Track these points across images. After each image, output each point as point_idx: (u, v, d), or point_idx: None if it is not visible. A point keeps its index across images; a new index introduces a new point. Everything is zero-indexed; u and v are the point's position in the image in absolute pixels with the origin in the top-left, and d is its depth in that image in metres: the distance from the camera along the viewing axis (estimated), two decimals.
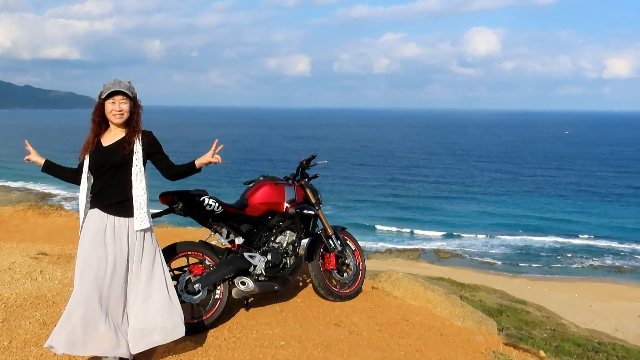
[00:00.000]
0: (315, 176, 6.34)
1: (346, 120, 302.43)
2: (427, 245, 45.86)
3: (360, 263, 6.41)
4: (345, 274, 6.22)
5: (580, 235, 48.21)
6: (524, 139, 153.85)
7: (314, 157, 6.20)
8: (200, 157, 4.51)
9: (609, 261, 42.42)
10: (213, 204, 5.07)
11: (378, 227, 50.69)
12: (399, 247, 45.36)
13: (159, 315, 4.19)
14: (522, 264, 41.73)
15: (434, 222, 52.78)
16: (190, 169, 4.53)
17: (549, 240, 47.29)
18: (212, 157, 4.47)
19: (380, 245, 45.82)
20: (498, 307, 24.00)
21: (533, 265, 41.64)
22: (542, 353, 5.76)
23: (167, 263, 4.91)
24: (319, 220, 6.14)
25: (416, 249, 44.83)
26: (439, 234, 48.62)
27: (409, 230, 49.86)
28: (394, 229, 50.27)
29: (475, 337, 5.71)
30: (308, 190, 6.08)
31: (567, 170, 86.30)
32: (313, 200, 6.06)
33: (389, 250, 44.31)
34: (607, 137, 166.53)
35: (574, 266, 41.68)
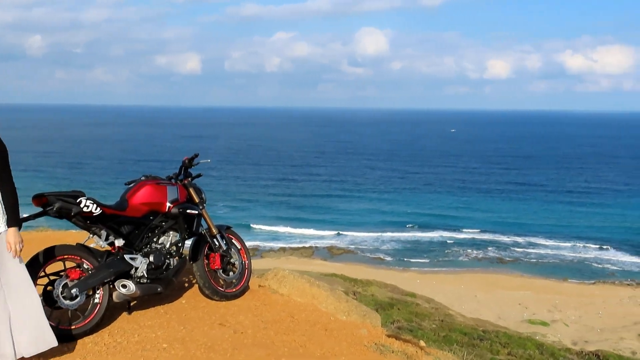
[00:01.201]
0: (199, 175, 6.26)
1: (239, 119, 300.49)
2: (320, 243, 46.42)
3: (246, 262, 6.39)
4: (231, 273, 6.18)
5: (465, 230, 50.38)
6: (412, 137, 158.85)
7: (196, 155, 6.11)
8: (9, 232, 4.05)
9: (491, 253, 44.59)
10: (90, 205, 4.89)
11: (271, 226, 50.75)
12: (293, 245, 45.64)
13: (24, 325, 4.01)
14: (412, 259, 43.07)
15: (327, 220, 53.50)
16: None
17: (437, 235, 49.12)
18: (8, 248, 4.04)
19: (274, 243, 45.92)
20: (389, 301, 24.68)
21: (422, 259, 43.11)
22: (422, 343, 5.98)
23: (42, 268, 4.70)
24: (203, 220, 6.07)
25: (310, 247, 45.28)
26: (331, 232, 49.31)
27: (302, 228, 50.23)
28: (287, 227, 50.49)
29: (359, 330, 5.84)
30: (191, 190, 5.99)
31: (453, 167, 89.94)
32: (197, 200, 5.97)
33: (283, 249, 44.50)
34: (489, 134, 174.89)
35: (460, 259, 43.54)
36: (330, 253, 44.04)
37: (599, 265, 42.11)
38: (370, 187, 71.10)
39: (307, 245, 45.65)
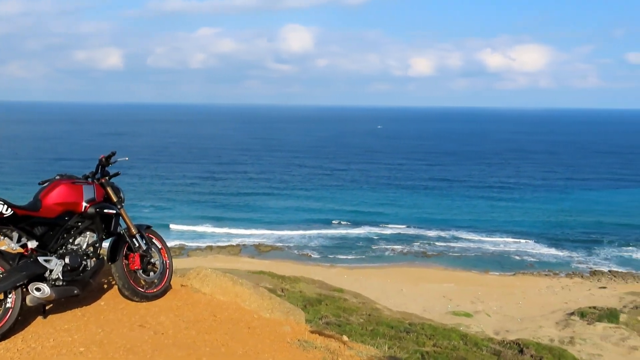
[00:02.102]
0: (117, 174, 6.09)
1: (162, 115, 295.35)
2: (248, 241, 46.25)
3: (167, 261, 6.28)
4: (152, 273, 6.06)
5: (391, 225, 51.25)
6: (339, 134, 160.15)
7: (113, 153, 5.95)
8: None
9: (416, 247, 45.54)
10: (0, 206, 4.70)
11: (197, 224, 50.17)
12: (220, 243, 45.27)
13: None
14: (339, 255, 43.47)
15: (254, 218, 53.34)
16: None
17: (363, 231, 49.76)
18: None
19: (200, 242, 45.42)
20: (317, 297, 24.84)
21: (349, 255, 43.58)
22: (345, 337, 6.04)
23: None
24: (121, 220, 5.92)
25: (237, 245, 45.03)
26: (258, 230, 49.19)
27: (229, 227, 49.88)
28: (213, 226, 50.03)
29: (282, 327, 5.85)
30: (109, 189, 5.83)
31: (379, 164, 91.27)
32: (114, 199, 5.82)
33: (210, 247, 44.08)
34: (414, 131, 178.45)
35: (386, 254, 44.26)
36: (258, 250, 43.91)
37: (519, 257, 43.69)
38: (297, 184, 71.29)
39: (234, 243, 45.34)
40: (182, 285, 6.54)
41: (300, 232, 48.91)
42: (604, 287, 37.06)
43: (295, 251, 44.17)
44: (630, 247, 45.84)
